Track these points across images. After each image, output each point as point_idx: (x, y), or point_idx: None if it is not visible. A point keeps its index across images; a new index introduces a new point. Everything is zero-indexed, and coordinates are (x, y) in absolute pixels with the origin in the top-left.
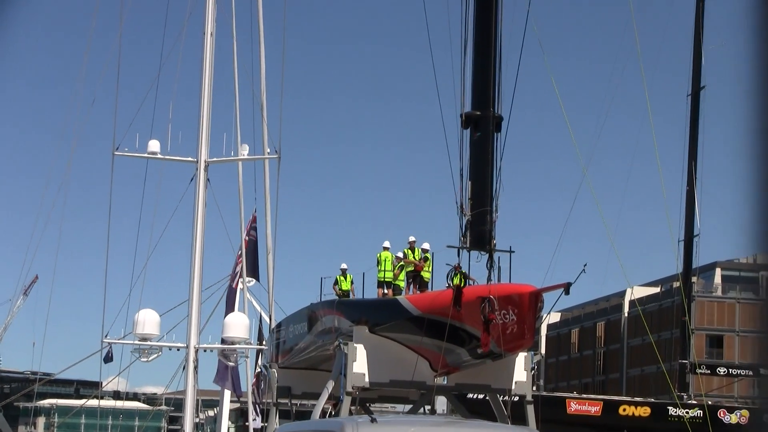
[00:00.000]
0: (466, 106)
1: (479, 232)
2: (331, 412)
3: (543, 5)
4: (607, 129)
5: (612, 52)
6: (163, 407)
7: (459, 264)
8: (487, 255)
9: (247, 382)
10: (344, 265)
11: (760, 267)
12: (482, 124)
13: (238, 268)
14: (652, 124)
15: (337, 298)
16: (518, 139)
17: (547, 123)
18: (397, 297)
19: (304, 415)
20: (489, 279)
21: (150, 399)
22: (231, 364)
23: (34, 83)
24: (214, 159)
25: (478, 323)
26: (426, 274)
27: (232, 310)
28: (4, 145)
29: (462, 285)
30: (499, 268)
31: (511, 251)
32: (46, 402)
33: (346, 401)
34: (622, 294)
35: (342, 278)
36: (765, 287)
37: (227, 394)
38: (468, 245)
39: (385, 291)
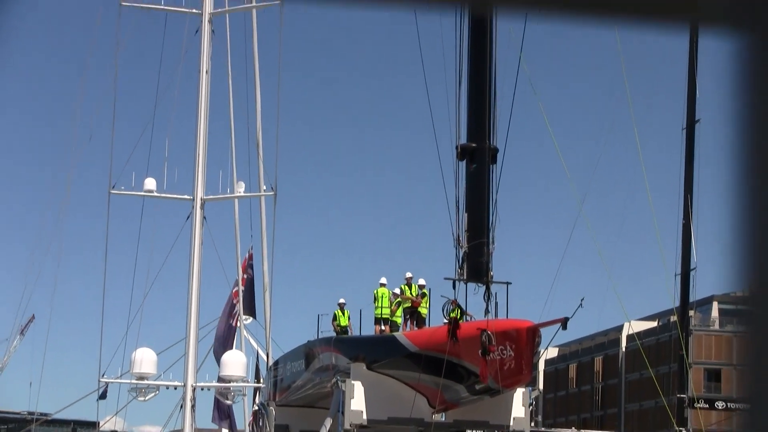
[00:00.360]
0: (462, 138)
1: (476, 264)
2: None
3: (536, 39)
4: (603, 162)
5: (607, 86)
6: None
7: (456, 299)
8: (485, 287)
9: (245, 420)
10: (342, 300)
11: (746, 300)
12: (478, 155)
13: (236, 306)
14: (642, 162)
15: (334, 335)
16: (515, 170)
17: (544, 154)
18: (395, 333)
19: None
20: (486, 311)
21: None
22: (228, 402)
23: (30, 120)
24: (210, 196)
25: (476, 359)
26: (423, 310)
27: (228, 347)
28: None
29: (459, 319)
30: (496, 303)
31: (507, 283)
32: None
33: None
34: (620, 329)
35: (340, 313)
36: (749, 320)
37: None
38: (465, 277)
39: (383, 327)
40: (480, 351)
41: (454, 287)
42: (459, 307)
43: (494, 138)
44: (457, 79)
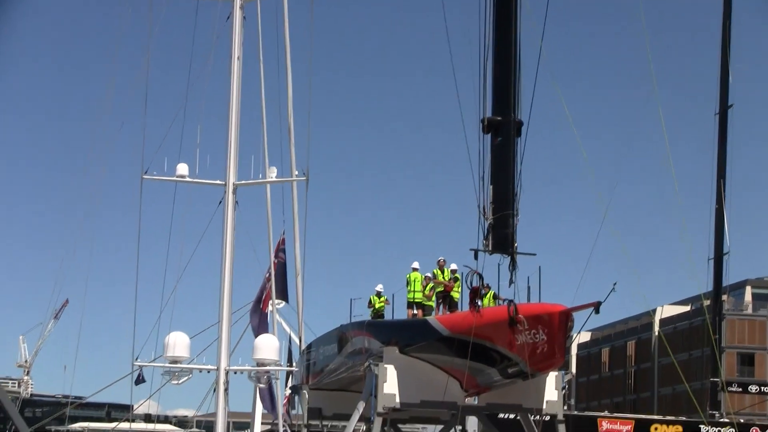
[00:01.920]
0: (487, 112)
1: (501, 235)
2: None
3: (562, 16)
4: (636, 147)
5: (639, 67)
6: (195, 430)
7: (478, 269)
8: (509, 258)
9: (278, 403)
10: (380, 287)
11: None
12: (503, 129)
13: (267, 289)
14: (668, 149)
15: (367, 319)
16: (544, 149)
17: (570, 134)
18: (427, 317)
19: None
20: (511, 281)
21: (181, 421)
22: (261, 385)
23: (63, 108)
24: (243, 182)
25: (509, 343)
26: (456, 294)
27: (263, 331)
28: (33, 169)
29: (480, 288)
30: (529, 288)
31: (532, 254)
32: (78, 425)
33: (377, 422)
34: (653, 313)
35: (376, 298)
36: None
37: (258, 415)
38: (490, 248)
39: (415, 312)
40: (508, 322)
41: (476, 258)
42: (481, 277)
43: (519, 111)
44: (482, 53)
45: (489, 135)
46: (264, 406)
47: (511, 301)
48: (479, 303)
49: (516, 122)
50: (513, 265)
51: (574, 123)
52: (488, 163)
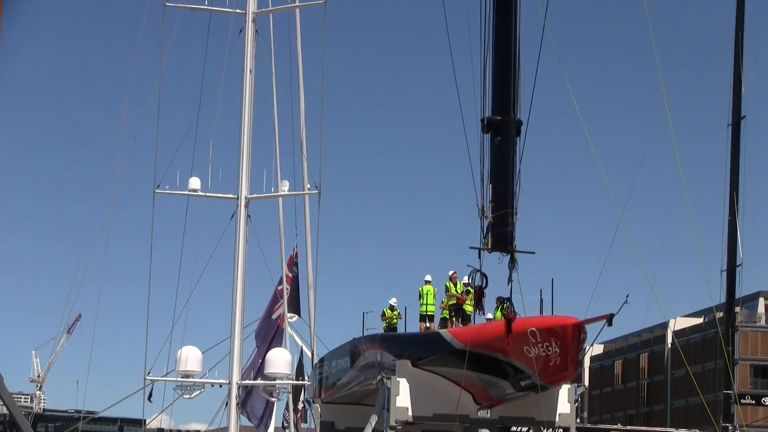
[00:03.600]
0: (487, 111)
1: (500, 234)
2: None
3: (568, 24)
4: (647, 159)
5: (650, 80)
6: None
7: (480, 268)
8: (509, 256)
9: (290, 417)
10: (393, 300)
11: None
12: (503, 128)
13: (278, 304)
14: (678, 159)
15: (380, 332)
16: (553, 150)
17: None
18: (440, 330)
19: None
20: (510, 280)
21: None
22: (273, 399)
23: (77, 122)
24: (255, 195)
25: (522, 356)
26: (468, 308)
27: (274, 345)
28: (46, 184)
29: (484, 287)
30: (542, 300)
31: (531, 253)
32: None
33: None
34: (665, 325)
35: (389, 311)
36: None
37: (271, 430)
38: (489, 246)
39: (428, 325)
40: (504, 322)
41: (479, 256)
42: (483, 275)
43: (518, 111)
44: (482, 52)
45: (489, 134)
46: (252, 422)
47: (508, 300)
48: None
49: (515, 122)
50: (512, 263)
51: (586, 109)
52: (488, 162)
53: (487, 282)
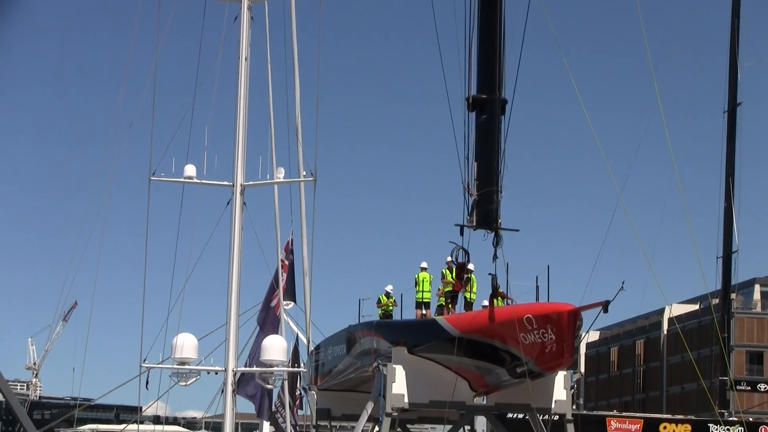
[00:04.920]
0: (472, 90)
1: (485, 211)
2: None
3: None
4: (643, 146)
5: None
6: (203, 431)
7: (463, 245)
8: (493, 233)
9: (285, 404)
10: (389, 287)
11: None
12: (488, 107)
13: (276, 292)
14: (671, 149)
15: (375, 319)
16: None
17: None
18: (436, 317)
19: None
20: (495, 257)
21: (190, 423)
22: (269, 386)
23: (72, 110)
24: (250, 183)
25: (517, 342)
26: (472, 295)
27: (273, 332)
28: (41, 172)
29: (466, 264)
30: (538, 287)
31: (516, 230)
32: (87, 427)
33: (386, 422)
34: (661, 312)
35: (384, 298)
36: None
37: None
38: (474, 224)
39: (424, 312)
40: (491, 294)
41: (461, 234)
42: (466, 252)
43: (503, 89)
44: (467, 31)
45: (474, 113)
46: (256, 408)
47: (492, 276)
48: (465, 278)
49: (500, 100)
50: (497, 240)
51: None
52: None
53: (468, 258)
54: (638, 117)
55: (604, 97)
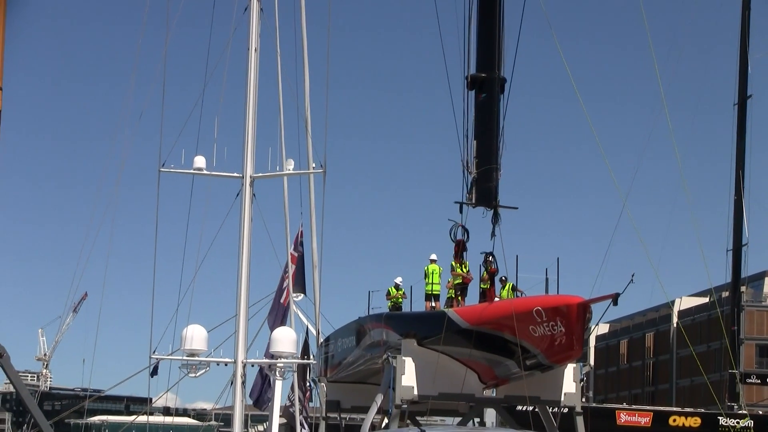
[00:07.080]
0: (472, 69)
1: (485, 189)
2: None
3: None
4: (653, 140)
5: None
6: (213, 423)
7: (462, 222)
8: (492, 211)
9: (295, 396)
10: (399, 279)
11: None
12: (487, 85)
13: (285, 284)
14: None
15: (385, 311)
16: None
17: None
18: (445, 309)
19: (354, 429)
20: (493, 234)
21: (200, 415)
22: (279, 378)
23: (83, 101)
24: (260, 174)
25: (527, 335)
26: (485, 286)
27: (283, 324)
28: (52, 163)
29: (465, 241)
30: (547, 279)
31: (514, 208)
32: (97, 418)
33: (395, 414)
34: (671, 305)
35: (394, 290)
36: None
37: (277, 408)
38: (473, 201)
39: (433, 304)
40: (484, 272)
41: (460, 211)
42: (465, 229)
43: (502, 68)
44: (467, 10)
45: (473, 92)
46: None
47: (491, 254)
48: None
49: (500, 79)
50: (495, 218)
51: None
52: (472, 119)
53: (468, 236)
54: (649, 111)
55: (613, 89)
